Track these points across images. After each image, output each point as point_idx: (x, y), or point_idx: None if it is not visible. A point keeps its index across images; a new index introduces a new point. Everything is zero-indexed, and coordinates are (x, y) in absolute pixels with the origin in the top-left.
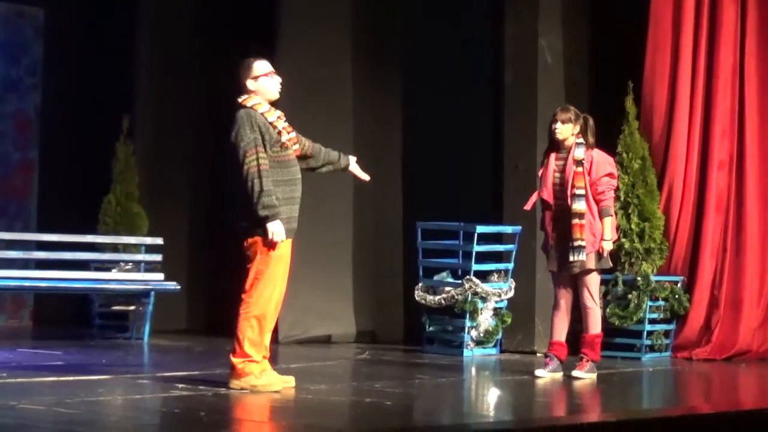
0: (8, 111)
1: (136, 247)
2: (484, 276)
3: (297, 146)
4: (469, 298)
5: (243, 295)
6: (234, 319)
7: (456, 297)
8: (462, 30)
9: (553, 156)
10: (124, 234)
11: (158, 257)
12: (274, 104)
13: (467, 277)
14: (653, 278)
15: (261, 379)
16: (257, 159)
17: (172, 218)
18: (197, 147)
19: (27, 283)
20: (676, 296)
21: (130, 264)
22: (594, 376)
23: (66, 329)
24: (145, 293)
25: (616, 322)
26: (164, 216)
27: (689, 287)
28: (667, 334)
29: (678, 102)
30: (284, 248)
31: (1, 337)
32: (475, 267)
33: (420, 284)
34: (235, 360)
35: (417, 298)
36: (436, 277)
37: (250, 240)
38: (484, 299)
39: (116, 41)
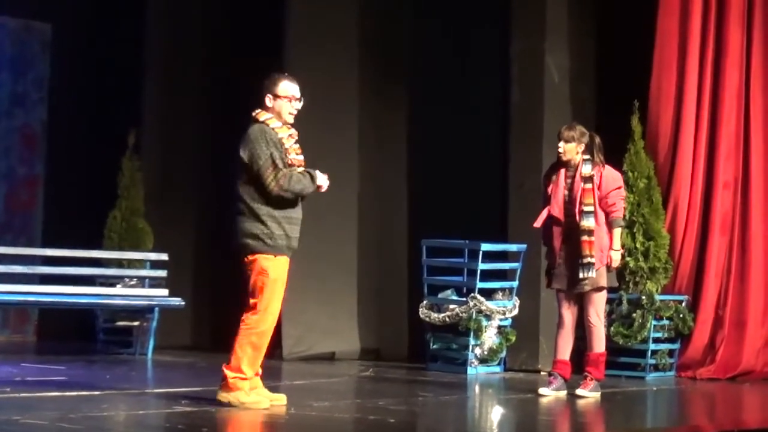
0: (14, 125)
1: (141, 262)
2: (488, 294)
3: (301, 169)
4: (474, 316)
5: (246, 313)
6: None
7: (460, 315)
8: (468, 47)
9: (562, 172)
10: (128, 249)
11: (163, 273)
12: None
13: (472, 294)
14: (658, 297)
15: (250, 397)
16: (276, 176)
17: (177, 234)
18: (203, 162)
19: (31, 298)
20: (681, 315)
21: (135, 279)
22: (598, 394)
23: (70, 344)
24: (150, 309)
25: (621, 341)
26: (169, 232)
27: (694, 307)
28: (671, 353)
29: (684, 122)
30: (282, 268)
31: (5, 352)
32: (479, 285)
33: (424, 302)
34: (228, 373)
35: (421, 316)
36: (440, 295)
37: (250, 257)
38: (488, 317)
39: (123, 56)
